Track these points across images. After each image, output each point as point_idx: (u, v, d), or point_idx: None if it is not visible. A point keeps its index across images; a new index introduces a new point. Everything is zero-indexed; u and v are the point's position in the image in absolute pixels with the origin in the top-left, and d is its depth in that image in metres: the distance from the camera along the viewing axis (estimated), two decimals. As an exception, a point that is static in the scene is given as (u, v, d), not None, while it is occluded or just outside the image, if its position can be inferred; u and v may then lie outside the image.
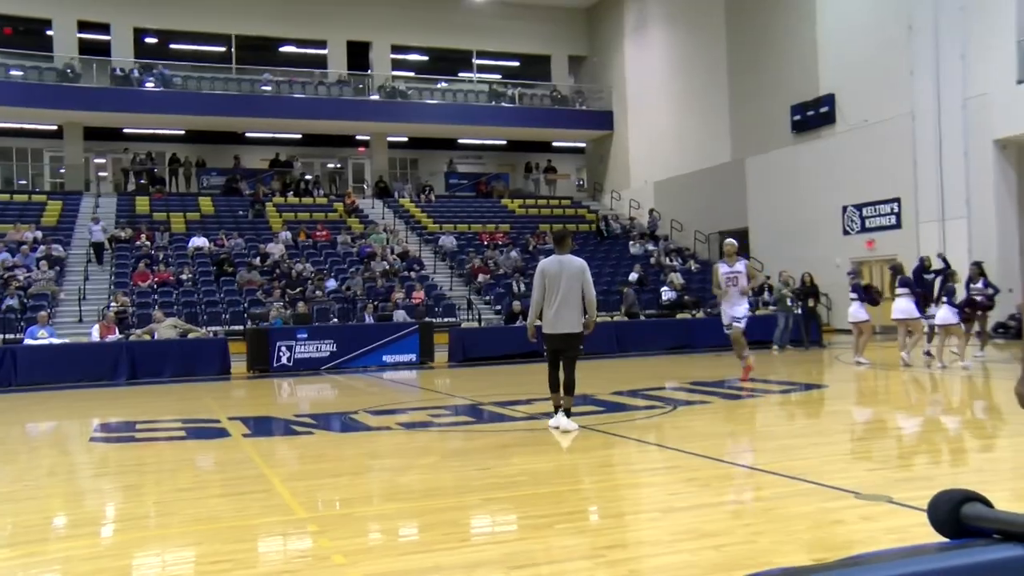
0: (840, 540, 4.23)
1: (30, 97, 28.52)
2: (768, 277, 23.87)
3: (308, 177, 34.28)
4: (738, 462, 6.59)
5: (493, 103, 34.65)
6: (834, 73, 24.33)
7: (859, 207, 23.71)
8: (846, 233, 24.20)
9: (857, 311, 15.13)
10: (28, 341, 16.59)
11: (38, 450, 9.11)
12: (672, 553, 4.10)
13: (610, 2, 34.72)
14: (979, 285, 14.87)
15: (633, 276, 25.10)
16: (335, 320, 20.63)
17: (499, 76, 36.93)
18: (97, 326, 17.45)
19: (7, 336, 18.78)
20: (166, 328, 17.48)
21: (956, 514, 1.21)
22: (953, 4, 20.82)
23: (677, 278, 25.32)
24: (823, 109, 24.68)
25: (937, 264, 15.86)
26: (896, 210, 22.62)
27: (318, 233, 27.44)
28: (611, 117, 34.99)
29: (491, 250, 27.36)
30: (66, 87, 29.22)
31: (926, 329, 14.61)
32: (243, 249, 25.51)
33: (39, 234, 24.78)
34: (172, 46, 32.82)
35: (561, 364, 8.24)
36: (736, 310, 11.82)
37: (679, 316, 22.48)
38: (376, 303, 21.19)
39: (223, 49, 33.06)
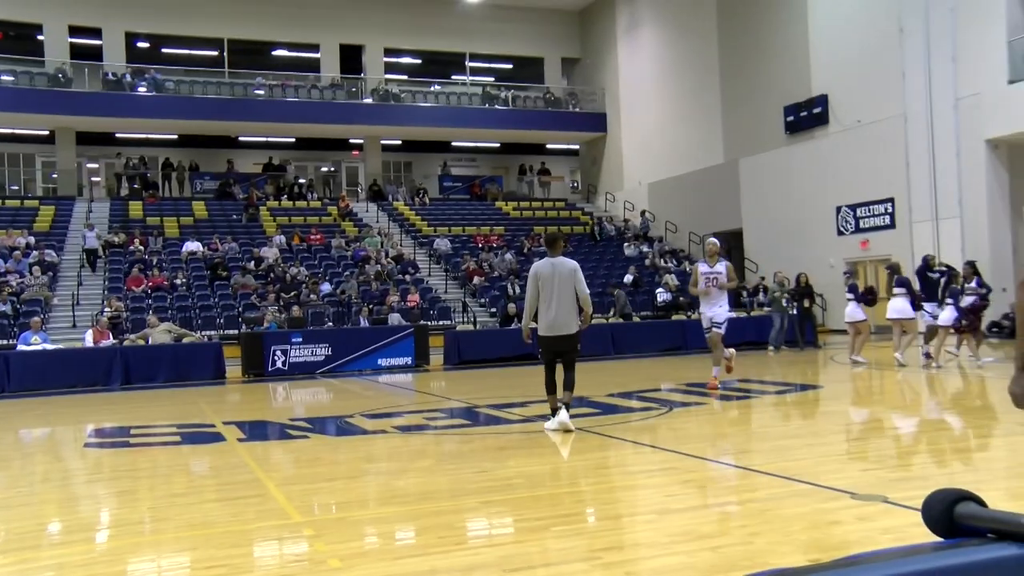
0: (836, 540, 4.23)
1: (22, 102, 28.44)
2: (763, 278, 23.92)
3: (302, 181, 34.23)
4: (734, 463, 6.59)
5: (486, 106, 34.64)
6: (826, 74, 24.39)
7: (853, 207, 23.77)
8: (840, 233, 24.25)
9: (854, 311, 15.16)
10: (21, 347, 16.54)
11: (32, 456, 9.07)
12: (668, 555, 4.10)
13: (602, 4, 34.76)
14: (972, 284, 14.90)
15: (628, 278, 25.11)
16: (330, 324, 20.60)
17: (492, 79, 36.93)
18: (90, 331, 17.39)
19: (0, 342, 18.72)
20: (160, 333, 17.43)
21: (950, 514, 1.21)
22: (944, 5, 20.88)
23: (672, 280, 25.33)
24: (816, 110, 24.73)
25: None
26: (890, 210, 22.68)
27: (312, 237, 27.40)
28: (604, 119, 35.01)
29: (486, 252, 27.36)
30: (58, 92, 29.14)
31: (923, 329, 14.63)
32: (237, 253, 25.46)
33: (32, 239, 24.70)
34: (164, 50, 32.78)
35: (562, 365, 8.31)
36: (716, 312, 11.31)
37: (674, 318, 22.50)
38: (371, 306, 21.16)
39: (215, 53, 33.01)
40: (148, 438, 9.27)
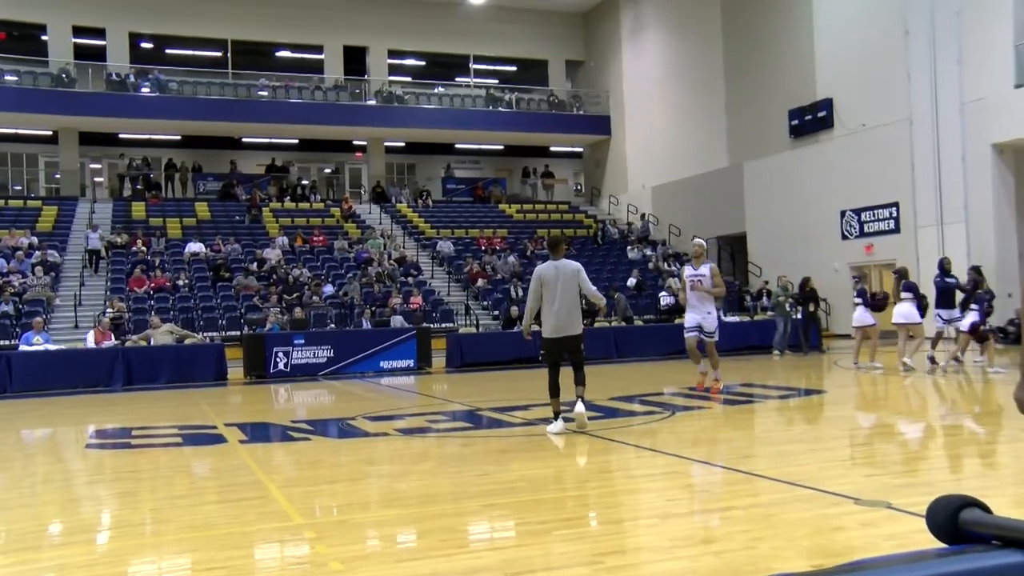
0: (839, 546, 4.21)
1: (25, 102, 28.50)
2: (767, 282, 23.88)
3: (305, 182, 34.28)
4: (737, 468, 6.56)
5: (490, 108, 34.65)
6: (831, 78, 24.36)
7: (857, 211, 23.73)
8: (844, 238, 24.22)
9: (862, 315, 15.09)
10: (23, 347, 16.55)
11: (33, 457, 9.07)
12: (671, 560, 4.08)
13: (607, 6, 34.77)
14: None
15: (631, 281, 25.08)
16: (332, 325, 20.60)
17: (496, 81, 36.94)
18: (92, 332, 17.39)
19: (2, 342, 18.73)
20: (162, 334, 17.44)
21: (954, 520, 1.20)
22: (949, 9, 20.84)
23: (675, 283, 25.29)
24: (821, 114, 24.70)
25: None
26: (894, 214, 22.64)
27: (315, 238, 27.42)
28: (608, 122, 35.01)
29: (489, 255, 27.35)
30: (61, 92, 29.19)
31: (931, 334, 14.54)
32: (240, 254, 25.48)
33: (34, 240, 24.74)
34: (168, 51, 32.83)
35: (572, 366, 8.39)
36: (706, 320, 11.01)
37: (677, 321, 22.42)
38: (373, 308, 21.16)
39: (219, 54, 33.06)
40: (150, 439, 9.26)
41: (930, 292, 14.53)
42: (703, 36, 29.53)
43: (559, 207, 35.18)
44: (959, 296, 14.14)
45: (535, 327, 8.50)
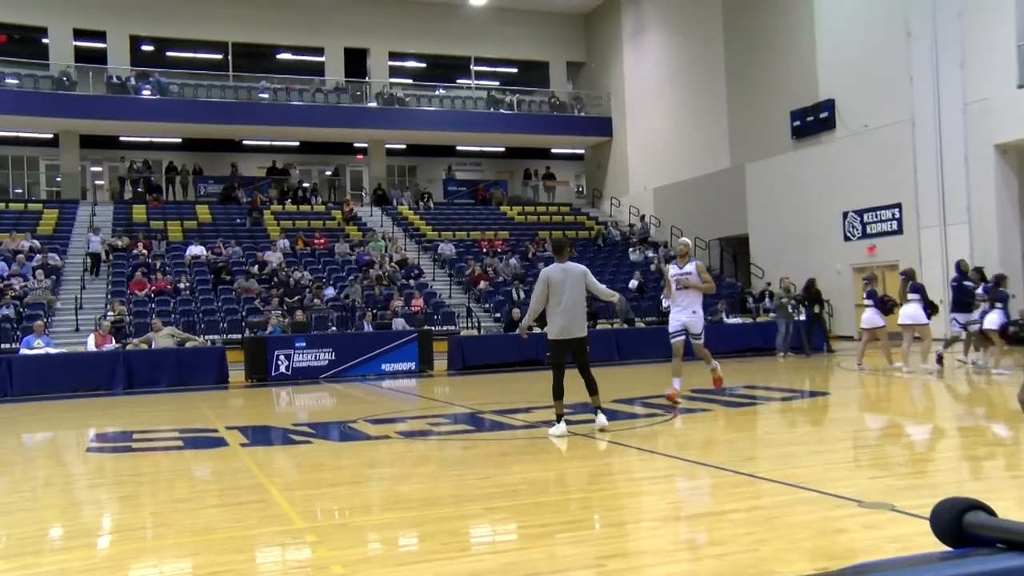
0: (842, 549, 4.19)
1: (26, 105, 28.50)
2: (769, 284, 23.84)
3: (306, 185, 34.28)
4: (739, 470, 6.54)
5: (491, 110, 34.65)
6: (833, 78, 24.33)
7: (860, 213, 23.69)
8: (847, 239, 24.17)
9: (872, 317, 15.03)
10: (24, 351, 16.54)
11: (34, 461, 9.06)
12: (673, 563, 4.07)
13: (608, 8, 34.77)
14: (979, 291, 14.82)
15: (633, 283, 25.06)
16: (333, 328, 20.59)
17: (497, 83, 36.95)
18: (93, 335, 17.39)
19: (2, 346, 18.72)
20: (163, 337, 17.43)
21: (958, 523, 1.18)
22: (951, 9, 20.82)
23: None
24: (823, 115, 24.68)
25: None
26: (897, 216, 22.60)
27: (316, 241, 27.41)
28: (610, 123, 35.00)
29: (490, 257, 27.34)
30: (62, 95, 29.21)
31: (951, 335, 14.48)
32: (241, 257, 25.47)
33: (35, 243, 24.75)
34: (168, 54, 32.85)
35: (578, 369, 8.42)
36: (692, 321, 10.82)
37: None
38: (375, 311, 21.14)
39: (220, 56, 33.08)
40: (151, 443, 9.25)
41: (940, 293, 14.35)
42: (704, 37, 29.52)
43: (560, 209, 35.15)
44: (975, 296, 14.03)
45: (537, 329, 8.51)
